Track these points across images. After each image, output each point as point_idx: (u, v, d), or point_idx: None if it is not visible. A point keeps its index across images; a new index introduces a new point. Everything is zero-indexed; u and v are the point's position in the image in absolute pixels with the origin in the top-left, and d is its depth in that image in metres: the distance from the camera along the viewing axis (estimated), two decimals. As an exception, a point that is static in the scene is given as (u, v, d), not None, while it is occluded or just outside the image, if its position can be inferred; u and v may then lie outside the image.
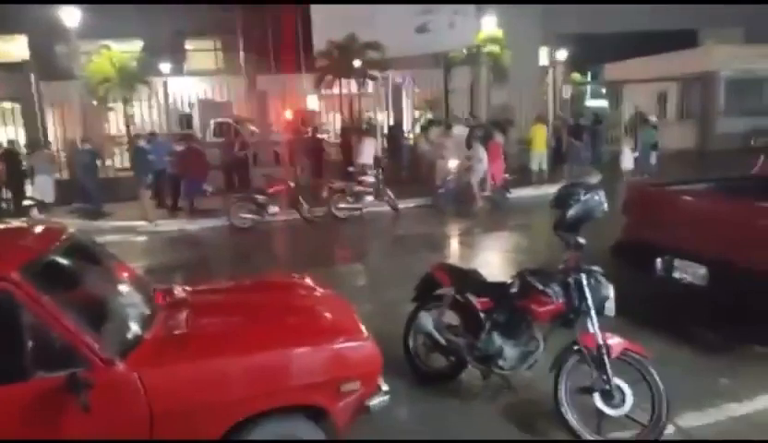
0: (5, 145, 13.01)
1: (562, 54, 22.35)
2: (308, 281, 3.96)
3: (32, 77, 13.74)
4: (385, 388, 3.12)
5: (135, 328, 2.86)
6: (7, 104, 15.06)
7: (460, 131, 13.92)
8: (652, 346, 3.76)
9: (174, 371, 2.65)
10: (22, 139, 13.21)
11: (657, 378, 3.27)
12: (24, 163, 12.46)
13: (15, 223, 4.55)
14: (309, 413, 2.88)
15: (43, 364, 2.45)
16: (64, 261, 2.98)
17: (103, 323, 2.74)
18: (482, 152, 11.81)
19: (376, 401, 3.03)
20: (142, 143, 12.22)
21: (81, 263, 3.14)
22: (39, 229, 3.38)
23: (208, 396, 2.65)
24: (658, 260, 4.97)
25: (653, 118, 15.23)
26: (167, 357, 2.70)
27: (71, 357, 2.44)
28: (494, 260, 7.93)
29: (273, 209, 10.97)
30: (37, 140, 12.78)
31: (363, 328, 3.22)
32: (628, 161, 13.66)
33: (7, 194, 13.08)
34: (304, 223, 11.08)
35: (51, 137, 14.27)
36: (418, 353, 4.29)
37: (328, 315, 3.42)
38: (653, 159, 13.69)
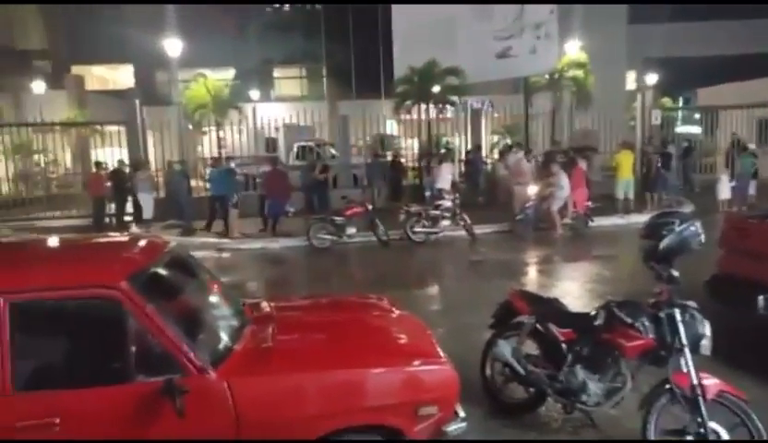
0: (115, 165, 14.22)
1: (651, 78, 21.48)
2: (386, 302, 4.01)
3: (137, 102, 14.94)
4: (462, 414, 3.09)
5: (226, 339, 3.02)
6: (114, 128, 16.43)
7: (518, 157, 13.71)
8: (750, 390, 3.49)
9: (260, 382, 2.77)
10: (126, 160, 14.35)
11: (759, 423, 3.02)
12: (129, 182, 13.51)
13: (120, 236, 4.94)
14: (386, 434, 2.90)
15: (144, 368, 2.63)
16: (165, 273, 3.20)
17: (198, 333, 2.92)
18: (563, 179, 11.51)
19: (453, 427, 3.01)
20: (232, 165, 12.96)
21: (180, 276, 3.36)
22: (143, 242, 3.65)
23: (290, 409, 2.75)
24: (761, 298, 4.61)
25: (752, 146, 14.25)
26: (255, 369, 2.83)
27: (169, 364, 2.61)
28: (573, 290, 7.65)
29: (351, 230, 11.20)
30: (139, 161, 13.83)
31: (440, 351, 3.22)
32: (725, 190, 12.83)
33: (110, 209, 14.23)
34: (380, 245, 11.21)
35: (150, 158, 15.40)
36: (495, 382, 4.21)
37: (406, 336, 3.45)
38: (752, 189, 12.78)
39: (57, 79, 26.35)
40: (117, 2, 26.31)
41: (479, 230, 11.77)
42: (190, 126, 18.86)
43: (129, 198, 13.68)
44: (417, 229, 11.39)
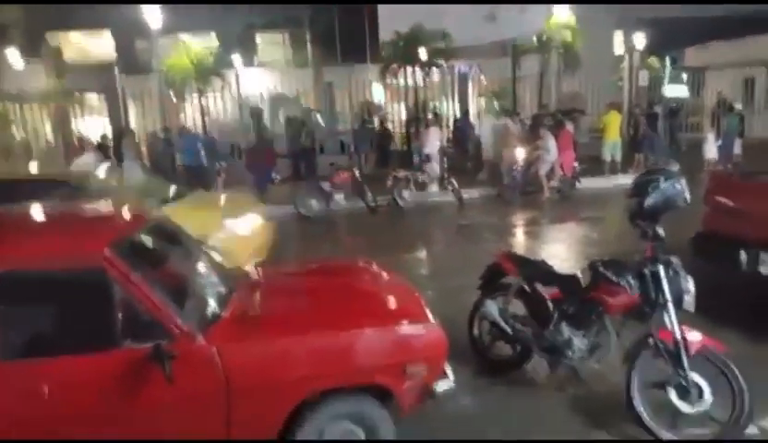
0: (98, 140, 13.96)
1: (639, 39, 21.29)
2: (374, 266, 4.03)
3: (116, 70, 14.60)
4: (450, 374, 3.14)
5: (213, 305, 3.02)
6: (95, 96, 16.09)
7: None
8: (733, 344, 3.57)
9: (249, 347, 2.78)
10: (108, 130, 14.11)
11: (739, 376, 3.10)
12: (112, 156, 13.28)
13: (103, 205, 4.88)
14: (375, 393, 2.94)
15: (132, 335, 2.62)
16: (149, 240, 3.18)
17: (185, 300, 2.91)
18: (551, 142, 11.49)
19: (441, 386, 3.06)
20: (215, 134, 12.80)
21: (165, 243, 3.34)
22: (127, 211, 3.61)
23: (279, 372, 2.77)
24: (743, 253, 4.68)
25: (738, 105, 14.29)
26: (243, 334, 2.83)
27: (156, 330, 2.61)
28: (561, 252, 7.73)
29: (338, 197, 11.16)
30: (121, 130, 13.60)
31: (428, 312, 3.24)
32: (711, 150, 12.92)
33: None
34: (368, 212, 11.20)
35: (133, 127, 15.14)
36: (483, 341, 4.27)
37: (394, 298, 3.48)
38: (737, 148, 12.87)
39: (34, 49, 25.61)
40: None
41: (467, 194, 11.78)
42: (172, 95, 18.48)
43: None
44: (405, 195, 11.38)
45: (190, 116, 18.17)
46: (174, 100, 18.54)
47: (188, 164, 12.28)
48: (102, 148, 13.58)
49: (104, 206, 4.17)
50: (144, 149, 14.77)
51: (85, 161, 9.37)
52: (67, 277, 2.63)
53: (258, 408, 2.73)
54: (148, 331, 2.60)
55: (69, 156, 13.92)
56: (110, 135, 14.03)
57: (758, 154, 13.80)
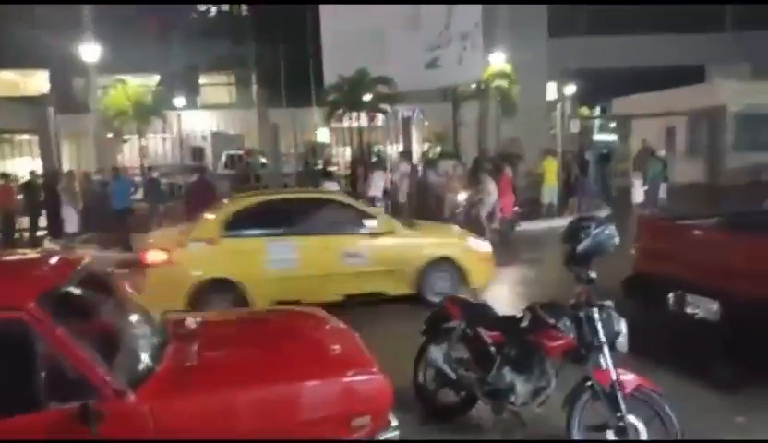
0: (27, 177, 13.32)
1: (570, 89, 22.59)
2: (319, 312, 3.97)
3: (50, 110, 14.07)
4: (395, 423, 3.09)
5: (146, 359, 2.88)
6: (26, 136, 15.40)
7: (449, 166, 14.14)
8: (665, 383, 3.71)
9: (184, 404, 2.65)
10: (39, 170, 13.49)
11: (672, 415, 3.22)
12: (42, 195, 12.69)
13: (31, 253, 4.62)
14: (318, 447, 2.85)
15: (57, 394, 2.46)
16: (78, 292, 3.01)
17: (116, 354, 2.76)
18: (491, 185, 11.85)
19: (385, 437, 3.00)
20: (155, 174, 12.47)
21: (95, 293, 3.18)
22: (54, 259, 3.42)
23: (217, 430, 2.65)
24: (670, 295, 4.93)
25: (660, 152, 15.29)
26: (178, 390, 2.70)
27: (84, 388, 2.45)
28: (502, 294, 7.88)
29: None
30: (59, 172, 13.04)
31: (373, 361, 3.21)
32: (638, 194, 13.64)
33: (21, 224, 13.30)
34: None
35: (66, 169, 14.54)
36: (428, 388, 4.25)
37: (338, 347, 3.42)
38: (662, 192, 13.67)
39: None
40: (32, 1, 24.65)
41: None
42: (109, 135, 17.96)
43: (42, 212, 12.85)
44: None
45: (128, 157, 17.68)
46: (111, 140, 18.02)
47: (120, 207, 11.85)
48: (30, 187, 12.96)
49: (31, 254, 3.95)
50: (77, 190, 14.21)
51: None
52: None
53: (193, 469, 2.59)
54: (74, 390, 2.45)
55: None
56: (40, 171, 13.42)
57: (681, 198, 14.75)
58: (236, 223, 6.67)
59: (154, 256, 6.46)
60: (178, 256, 6.43)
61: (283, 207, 7.14)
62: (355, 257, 6.86)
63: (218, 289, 6.30)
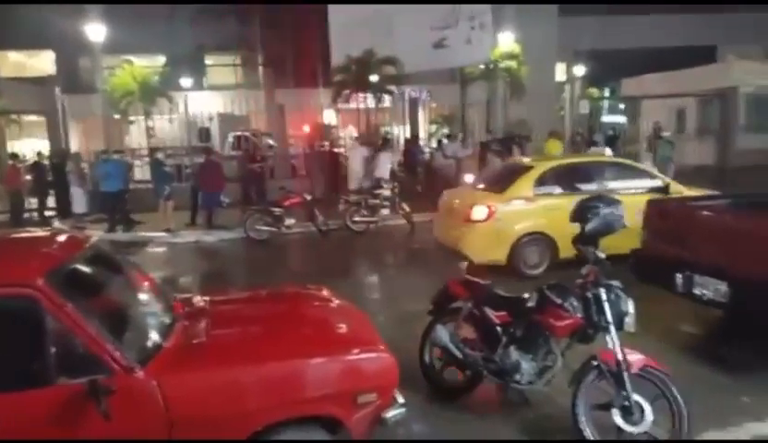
0: (35, 158, 13.37)
1: (579, 70, 22.31)
2: (325, 292, 3.98)
3: (57, 90, 14.07)
4: (401, 400, 3.11)
5: (155, 336, 2.90)
6: (33, 117, 15.43)
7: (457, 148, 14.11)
8: (673, 363, 3.71)
9: (192, 379, 2.68)
10: (47, 151, 13.54)
11: (678, 395, 3.21)
12: (50, 175, 12.74)
13: (38, 233, 4.65)
14: (325, 424, 2.88)
15: (66, 370, 2.49)
16: (86, 270, 3.03)
17: (124, 331, 2.79)
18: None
19: (392, 414, 3.02)
20: (160, 156, 12.48)
21: (103, 272, 3.20)
22: (62, 238, 3.44)
23: (225, 405, 2.67)
24: (678, 276, 4.90)
25: (666, 133, 15.20)
26: (186, 366, 2.73)
27: (92, 364, 2.48)
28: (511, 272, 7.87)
29: (289, 221, 11.04)
30: (67, 152, 13.06)
31: (380, 339, 3.22)
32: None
33: (30, 204, 13.40)
34: (319, 236, 11.12)
35: (74, 149, 14.58)
36: (434, 367, 4.27)
37: (344, 326, 3.44)
38: (671, 173, 13.56)
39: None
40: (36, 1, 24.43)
41: (418, 218, 11.88)
42: (116, 116, 17.93)
43: (51, 192, 12.93)
44: (356, 218, 11.37)
45: (135, 138, 17.69)
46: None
47: (115, 189, 11.72)
48: (37, 167, 13.02)
49: (39, 233, 3.97)
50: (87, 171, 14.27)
51: None
52: (-1, 309, 2.48)
53: (202, 443, 2.62)
54: (83, 366, 2.47)
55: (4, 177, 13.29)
56: (47, 152, 13.47)
57: (690, 180, 14.57)
58: (544, 183, 7.52)
59: (479, 212, 7.31)
60: (502, 212, 7.26)
61: (581, 169, 8.00)
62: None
63: (533, 242, 7.23)
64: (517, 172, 7.92)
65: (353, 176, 13.98)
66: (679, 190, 7.70)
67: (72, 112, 14.89)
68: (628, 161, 8.76)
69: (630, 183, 7.69)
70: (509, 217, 7.29)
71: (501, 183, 7.84)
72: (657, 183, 7.75)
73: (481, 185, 8.41)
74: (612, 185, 7.52)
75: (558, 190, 7.47)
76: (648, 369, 3.29)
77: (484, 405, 4.10)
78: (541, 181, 7.52)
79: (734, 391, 4.18)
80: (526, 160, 9.08)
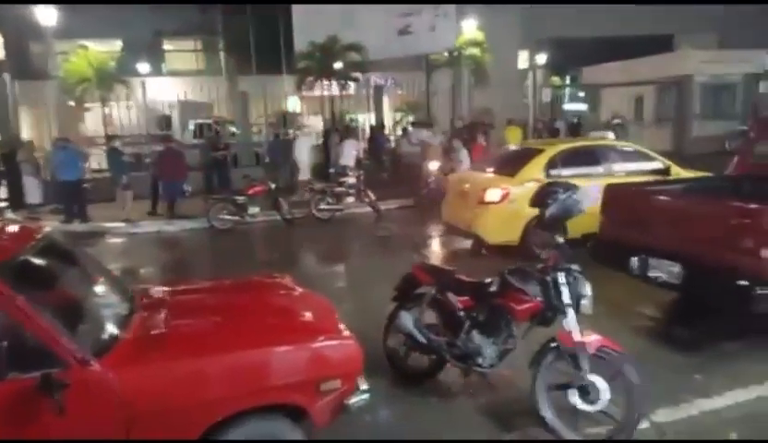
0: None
1: (542, 58, 22.61)
2: (288, 280, 3.96)
3: (6, 76, 13.47)
4: (365, 386, 3.13)
5: (111, 328, 2.83)
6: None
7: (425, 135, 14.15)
8: (628, 343, 3.83)
9: (151, 371, 2.63)
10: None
11: (633, 375, 3.32)
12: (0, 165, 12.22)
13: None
14: (289, 412, 2.87)
15: (17, 364, 2.41)
16: (39, 261, 2.94)
17: (79, 323, 2.71)
18: (464, 154, 11.88)
19: (355, 400, 3.03)
20: (117, 144, 12.12)
21: (57, 263, 3.11)
22: (13, 229, 3.32)
23: (185, 396, 2.64)
24: (634, 259, 5.05)
25: (616, 120, 15.71)
26: (144, 357, 2.67)
27: (46, 357, 2.40)
28: (475, 261, 7.98)
29: (253, 210, 10.90)
30: (12, 141, 12.54)
31: (343, 327, 3.22)
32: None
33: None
34: (284, 224, 11.03)
35: (25, 138, 14.01)
36: (398, 352, 4.30)
37: (307, 314, 3.43)
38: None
39: None
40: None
41: (384, 206, 11.91)
42: (71, 103, 17.30)
43: (2, 182, 12.41)
44: (322, 206, 11.32)
45: (91, 126, 17.11)
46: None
47: (69, 179, 11.28)
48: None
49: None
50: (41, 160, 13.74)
51: None
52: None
53: (162, 435, 2.58)
54: (36, 360, 2.40)
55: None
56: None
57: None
58: (555, 166, 7.71)
59: (494, 194, 7.54)
60: (515, 194, 7.37)
61: (589, 152, 8.29)
62: None
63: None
64: (528, 155, 8.18)
65: (300, 167, 13.86)
66: (678, 172, 8.02)
67: (23, 99, 14.27)
68: (632, 145, 9.11)
69: (634, 165, 8.03)
70: (521, 199, 7.27)
71: (512, 166, 8.05)
72: (659, 165, 8.08)
73: (490, 169, 8.57)
74: (617, 167, 7.90)
75: (567, 172, 7.61)
76: (605, 349, 3.38)
77: (447, 389, 4.16)
78: (552, 164, 7.75)
79: (686, 370, 4.35)
80: (536, 144, 9.62)
